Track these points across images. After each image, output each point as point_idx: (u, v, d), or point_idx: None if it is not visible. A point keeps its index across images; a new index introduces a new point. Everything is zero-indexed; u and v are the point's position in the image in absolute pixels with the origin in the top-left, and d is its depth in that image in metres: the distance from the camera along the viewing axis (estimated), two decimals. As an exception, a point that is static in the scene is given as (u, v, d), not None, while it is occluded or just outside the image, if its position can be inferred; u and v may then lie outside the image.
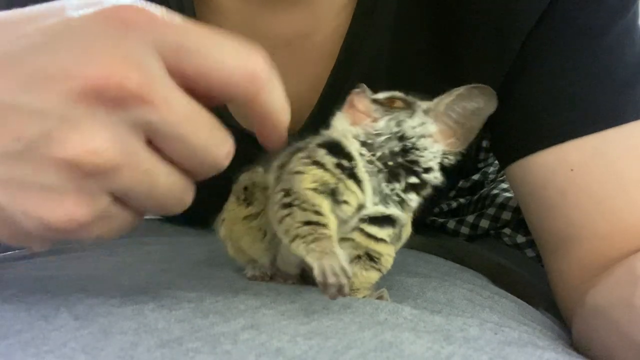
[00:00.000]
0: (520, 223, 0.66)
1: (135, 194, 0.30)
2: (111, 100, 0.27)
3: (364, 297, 0.38)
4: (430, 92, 0.51)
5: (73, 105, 0.27)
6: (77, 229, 0.29)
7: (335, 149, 0.37)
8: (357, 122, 0.38)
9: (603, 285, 0.42)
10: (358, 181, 0.37)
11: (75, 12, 0.28)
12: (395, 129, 0.38)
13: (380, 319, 0.33)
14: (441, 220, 0.74)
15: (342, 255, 0.32)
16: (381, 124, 0.38)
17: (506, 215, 0.68)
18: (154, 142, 0.29)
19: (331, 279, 0.30)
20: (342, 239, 0.37)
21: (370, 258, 0.38)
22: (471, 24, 0.47)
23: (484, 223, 0.69)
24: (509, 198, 0.68)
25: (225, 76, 0.30)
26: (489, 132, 0.55)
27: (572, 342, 0.43)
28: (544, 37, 0.47)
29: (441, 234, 0.73)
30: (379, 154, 0.38)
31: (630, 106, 0.46)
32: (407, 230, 0.41)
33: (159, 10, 0.29)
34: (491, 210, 0.69)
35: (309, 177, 0.35)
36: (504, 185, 0.72)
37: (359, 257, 0.38)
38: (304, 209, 0.34)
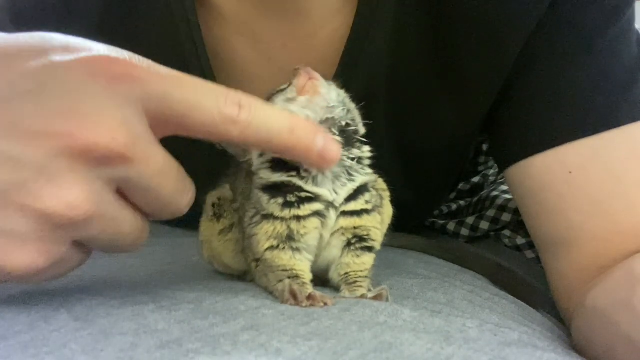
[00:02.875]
0: (520, 225, 0.66)
1: (98, 240, 0.30)
2: (95, 159, 0.27)
3: (362, 295, 0.38)
4: (431, 92, 0.51)
5: (54, 159, 0.26)
6: (32, 276, 0.29)
7: (277, 186, 0.37)
8: (316, 92, 0.37)
9: (602, 287, 0.42)
10: (311, 198, 0.36)
11: (60, 57, 0.28)
12: (340, 98, 0.38)
13: (380, 321, 0.33)
14: (441, 222, 0.74)
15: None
16: (333, 95, 0.37)
17: (506, 217, 0.68)
18: (124, 190, 0.30)
19: (299, 297, 0.35)
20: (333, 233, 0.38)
21: (360, 239, 0.39)
22: (471, 27, 0.47)
23: (484, 225, 0.69)
24: (509, 200, 0.68)
25: (208, 123, 0.30)
26: (487, 135, 0.56)
27: (571, 343, 0.43)
28: (542, 40, 0.47)
29: (441, 236, 0.73)
30: (336, 128, 0.37)
31: (627, 108, 0.46)
32: (389, 211, 0.42)
33: (145, 63, 0.29)
34: (491, 212, 0.69)
35: (263, 237, 0.37)
36: (504, 187, 0.72)
37: (349, 243, 0.39)
38: (273, 272, 0.37)
